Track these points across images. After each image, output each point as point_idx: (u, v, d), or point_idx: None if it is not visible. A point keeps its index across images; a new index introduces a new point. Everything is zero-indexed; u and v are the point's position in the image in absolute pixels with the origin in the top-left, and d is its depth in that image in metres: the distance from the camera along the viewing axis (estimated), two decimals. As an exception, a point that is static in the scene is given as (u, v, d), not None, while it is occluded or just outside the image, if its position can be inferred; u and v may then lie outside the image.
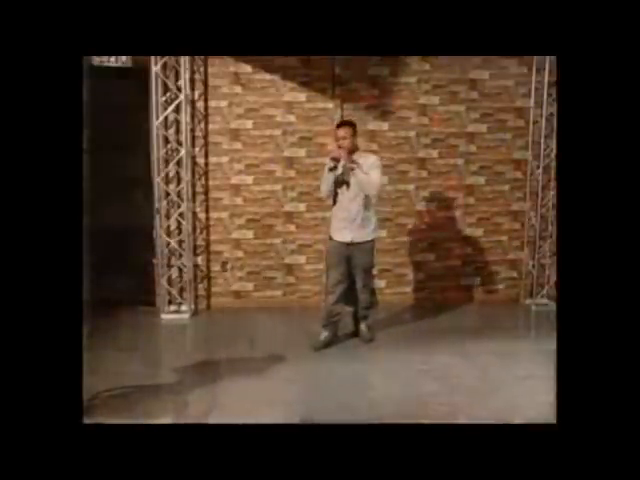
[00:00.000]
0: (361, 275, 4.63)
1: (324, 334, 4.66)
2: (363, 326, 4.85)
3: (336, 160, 4.34)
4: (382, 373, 4.26)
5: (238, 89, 5.62)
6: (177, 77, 5.43)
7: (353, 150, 4.43)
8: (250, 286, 5.84)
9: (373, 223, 4.59)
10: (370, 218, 4.55)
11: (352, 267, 4.57)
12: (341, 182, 4.43)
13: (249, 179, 5.71)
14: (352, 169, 4.35)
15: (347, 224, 4.47)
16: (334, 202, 4.56)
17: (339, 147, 4.38)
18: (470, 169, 5.92)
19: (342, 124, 4.55)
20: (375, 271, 5.94)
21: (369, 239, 4.56)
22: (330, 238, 4.63)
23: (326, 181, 4.44)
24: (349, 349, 4.66)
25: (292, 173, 5.71)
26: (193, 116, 5.58)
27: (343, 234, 4.51)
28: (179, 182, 5.61)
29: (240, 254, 5.78)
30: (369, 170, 4.38)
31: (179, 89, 5.39)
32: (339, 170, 4.37)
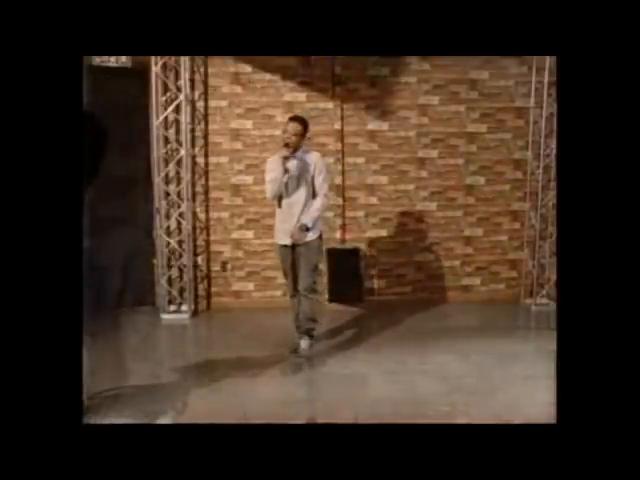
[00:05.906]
0: (303, 276, 4.30)
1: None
2: (303, 342, 4.39)
3: (286, 159, 4.14)
4: (381, 373, 4.25)
5: (238, 89, 5.62)
6: (177, 77, 5.43)
7: (297, 148, 4.21)
8: (250, 286, 5.84)
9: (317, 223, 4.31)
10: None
11: (295, 269, 4.33)
12: (285, 183, 4.21)
13: (249, 179, 5.71)
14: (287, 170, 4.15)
15: (288, 226, 4.23)
16: (279, 205, 4.30)
17: (286, 144, 4.16)
18: (470, 169, 5.92)
19: (294, 119, 4.29)
20: (375, 271, 5.98)
21: (312, 239, 4.27)
22: (275, 242, 4.43)
23: (277, 182, 4.18)
24: (346, 350, 4.66)
25: (292, 173, 5.72)
26: (193, 116, 5.58)
27: (284, 237, 4.28)
28: (179, 182, 5.61)
29: (240, 254, 5.79)
30: (315, 171, 4.22)
31: (179, 89, 5.40)
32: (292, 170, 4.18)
